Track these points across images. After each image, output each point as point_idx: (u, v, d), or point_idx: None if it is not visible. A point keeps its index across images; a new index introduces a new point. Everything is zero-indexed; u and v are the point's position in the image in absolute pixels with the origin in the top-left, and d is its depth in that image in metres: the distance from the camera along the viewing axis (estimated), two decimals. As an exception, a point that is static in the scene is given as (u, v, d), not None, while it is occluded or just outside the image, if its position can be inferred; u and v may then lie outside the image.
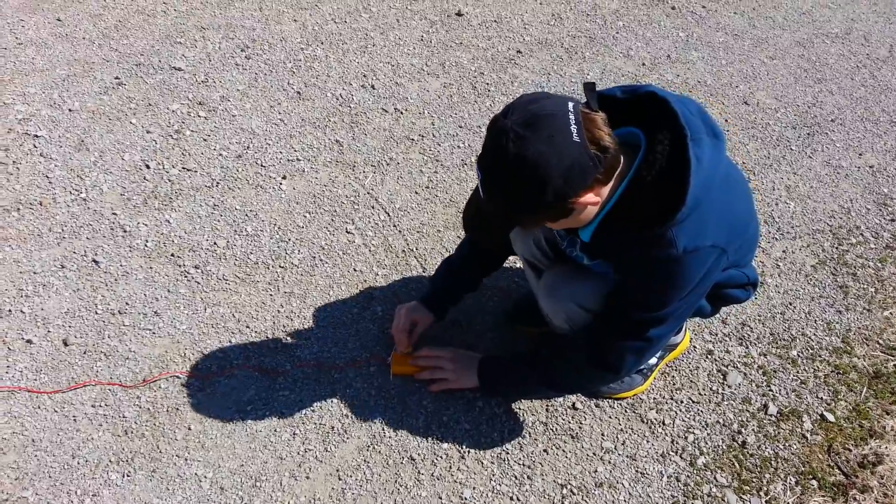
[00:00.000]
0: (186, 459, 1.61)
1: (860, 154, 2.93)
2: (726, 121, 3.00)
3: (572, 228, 1.44)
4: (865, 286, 2.33)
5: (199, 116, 2.54)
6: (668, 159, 1.31)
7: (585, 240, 1.46)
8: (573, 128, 1.20)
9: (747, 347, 2.08)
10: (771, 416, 1.89)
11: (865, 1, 4.12)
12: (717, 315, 2.11)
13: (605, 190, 1.32)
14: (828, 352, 2.10)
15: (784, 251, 2.42)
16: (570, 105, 1.22)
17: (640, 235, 1.34)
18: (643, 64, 3.30)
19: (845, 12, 3.99)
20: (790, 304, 2.23)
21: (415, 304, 1.82)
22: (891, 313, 2.24)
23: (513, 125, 1.20)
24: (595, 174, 1.24)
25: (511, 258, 1.96)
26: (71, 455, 1.57)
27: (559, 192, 1.23)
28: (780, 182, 2.72)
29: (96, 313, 1.85)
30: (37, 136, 2.35)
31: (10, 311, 1.83)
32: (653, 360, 1.90)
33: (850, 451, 1.83)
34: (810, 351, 2.09)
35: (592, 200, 1.29)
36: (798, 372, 2.02)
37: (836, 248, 2.46)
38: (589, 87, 1.29)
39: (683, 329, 1.97)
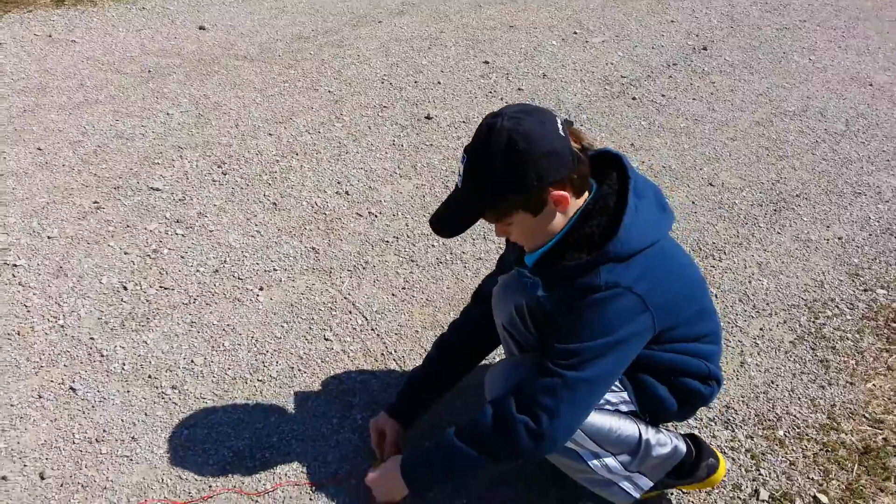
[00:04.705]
0: (164, 593, 1.56)
1: (828, 226, 3.00)
2: (693, 202, 3.09)
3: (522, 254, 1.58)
4: (846, 359, 2.34)
5: (177, 234, 2.59)
6: (612, 200, 1.48)
7: (529, 264, 1.57)
8: (559, 125, 1.41)
9: (733, 430, 2.06)
10: (763, 501, 1.85)
11: (818, 79, 4.32)
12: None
13: (571, 207, 1.47)
14: (814, 429, 2.08)
15: (761, 328, 2.44)
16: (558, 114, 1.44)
17: (574, 266, 1.45)
18: (609, 153, 3.41)
19: (800, 91, 4.17)
20: (772, 382, 2.23)
21: (381, 414, 1.86)
22: (874, 385, 2.24)
23: (508, 110, 1.41)
24: (572, 170, 1.41)
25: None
26: None
27: (540, 172, 1.38)
28: (751, 259, 2.77)
29: (73, 443, 1.83)
30: (15, 265, 2.38)
31: (-17, 446, 1.81)
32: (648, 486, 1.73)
33: (847, 534, 1.79)
34: (797, 430, 2.08)
35: (566, 201, 1.43)
36: (786, 453, 1.99)
37: (813, 322, 2.49)
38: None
39: (672, 443, 1.72)
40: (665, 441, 1.69)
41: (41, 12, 4.27)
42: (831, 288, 2.65)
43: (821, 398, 2.19)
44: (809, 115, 3.91)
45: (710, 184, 3.23)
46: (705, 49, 4.67)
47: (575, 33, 4.72)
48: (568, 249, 1.47)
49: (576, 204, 1.48)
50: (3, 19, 4.14)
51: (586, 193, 1.50)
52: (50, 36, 4.01)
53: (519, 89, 3.90)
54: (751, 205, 3.11)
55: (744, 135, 3.67)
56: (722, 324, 2.43)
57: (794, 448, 2.02)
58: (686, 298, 1.58)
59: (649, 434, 1.66)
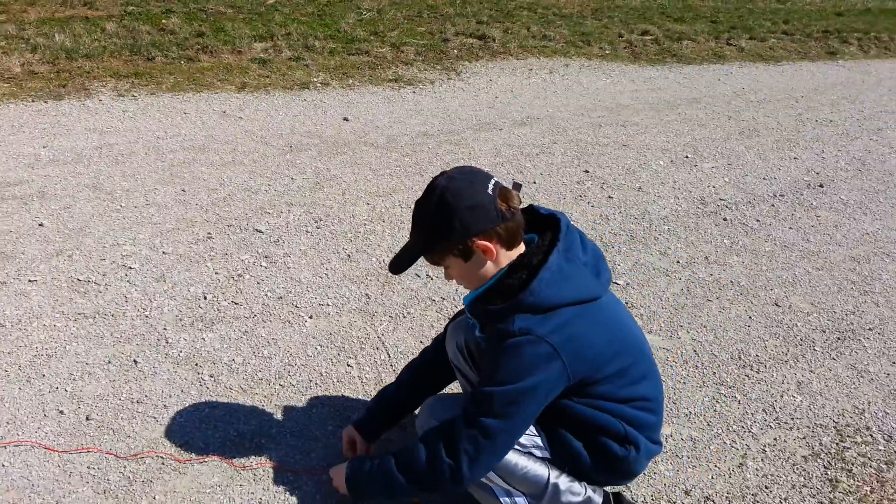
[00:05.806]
0: (145, 526, 1.87)
1: (893, 363, 2.87)
2: (750, 317, 3.09)
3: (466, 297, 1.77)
4: (860, 484, 2.23)
5: (261, 266, 3.06)
6: (536, 258, 1.64)
7: (465, 303, 1.76)
8: (490, 185, 1.62)
9: (706, 521, 2.05)
10: (709, 587, 1.84)
11: (934, 225, 4.14)
12: (674, 483, 2.13)
13: (502, 258, 1.65)
14: (797, 540, 2.02)
15: (775, 439, 2.40)
16: (495, 177, 1.66)
17: (494, 311, 1.63)
18: (678, 262, 3.51)
19: (912, 235, 4.02)
20: (767, 487, 2.19)
21: (349, 426, 2.09)
22: (883, 514, 2.13)
23: (449, 171, 1.67)
24: (496, 225, 1.60)
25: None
26: (55, 502, 1.89)
27: (464, 223, 1.59)
28: (791, 377, 2.72)
29: (119, 400, 2.25)
30: (131, 268, 2.95)
31: (56, 387, 2.27)
32: None
33: None
34: (776, 536, 2.03)
35: (490, 251, 1.62)
36: (753, 551, 1.96)
37: (837, 444, 2.40)
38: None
39: (587, 494, 1.81)
40: (579, 490, 1.77)
41: (224, 94, 5.23)
42: (872, 417, 2.54)
43: (817, 514, 2.11)
44: (915, 258, 3.75)
45: (776, 304, 3.22)
46: (821, 186, 4.65)
47: (686, 157, 4.90)
48: (494, 297, 1.67)
49: (508, 256, 1.67)
50: (195, 96, 5.11)
51: (522, 247, 1.70)
52: (224, 112, 4.90)
53: (609, 197, 4.14)
54: (813, 329, 3.06)
55: (832, 266, 3.61)
56: (734, 428, 2.43)
57: (767, 551, 1.97)
58: (610, 355, 1.69)
59: (560, 480, 1.75)
